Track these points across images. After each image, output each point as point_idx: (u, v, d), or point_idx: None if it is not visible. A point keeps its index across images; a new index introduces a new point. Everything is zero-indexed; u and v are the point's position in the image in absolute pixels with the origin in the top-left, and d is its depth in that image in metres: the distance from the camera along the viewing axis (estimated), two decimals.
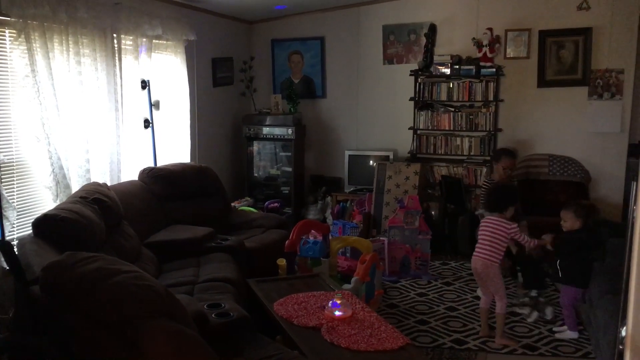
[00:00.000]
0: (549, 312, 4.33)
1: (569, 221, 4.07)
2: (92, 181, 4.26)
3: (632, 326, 1.34)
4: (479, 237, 4.00)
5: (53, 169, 3.96)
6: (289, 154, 6.92)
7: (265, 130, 6.80)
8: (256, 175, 7.12)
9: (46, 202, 3.99)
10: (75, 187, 4.15)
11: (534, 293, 4.46)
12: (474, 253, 4.01)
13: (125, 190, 4.46)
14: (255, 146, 7.07)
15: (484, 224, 4.01)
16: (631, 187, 1.73)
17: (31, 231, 3.30)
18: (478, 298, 4.67)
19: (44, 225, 3.25)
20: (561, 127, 6.16)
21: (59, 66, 4.05)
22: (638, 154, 5.76)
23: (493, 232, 3.91)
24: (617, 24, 5.82)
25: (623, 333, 1.41)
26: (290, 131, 6.71)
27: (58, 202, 3.89)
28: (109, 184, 4.37)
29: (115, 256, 3.06)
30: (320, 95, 7.19)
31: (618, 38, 5.84)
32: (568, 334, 3.99)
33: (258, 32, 7.35)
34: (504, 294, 3.95)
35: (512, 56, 6.22)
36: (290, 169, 6.94)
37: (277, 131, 6.78)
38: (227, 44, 6.79)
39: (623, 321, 1.43)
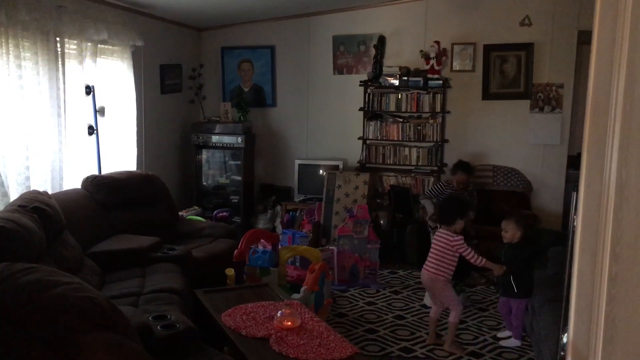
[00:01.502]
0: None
1: (510, 231, 4.09)
2: (31, 189, 4.10)
3: (573, 333, 1.38)
4: (430, 250, 4.03)
5: None
6: (239, 162, 6.86)
7: (215, 138, 6.73)
8: (205, 183, 7.03)
9: None
10: (13, 195, 3.99)
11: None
12: (423, 266, 4.03)
13: (67, 199, 4.31)
14: (204, 154, 6.99)
15: (435, 237, 4.04)
16: (571, 197, 1.79)
17: None
18: (425, 307, 4.74)
19: None
20: (505, 138, 6.34)
21: None
22: (577, 166, 5.97)
23: (440, 245, 3.94)
24: (557, 40, 6.06)
25: (564, 340, 1.44)
26: (239, 139, 6.66)
27: None
28: (50, 192, 4.21)
29: (55, 267, 2.96)
30: (271, 104, 7.18)
31: (558, 53, 6.07)
32: (512, 341, 4.07)
33: (208, 40, 7.28)
34: (457, 303, 3.97)
35: (458, 69, 6.37)
36: (239, 178, 6.88)
37: (227, 139, 6.71)
38: (175, 50, 6.69)
39: (564, 328, 1.47)
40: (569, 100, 6.13)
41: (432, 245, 4.02)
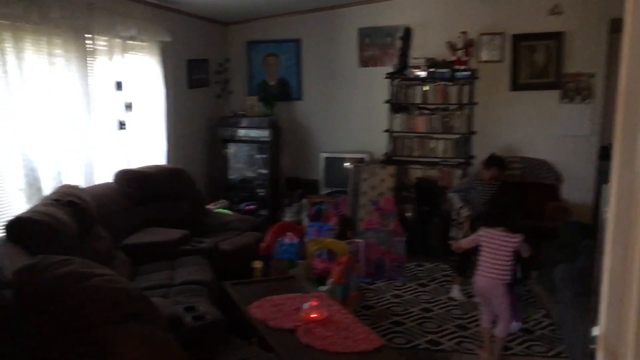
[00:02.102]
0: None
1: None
2: (65, 183, 4.20)
3: (604, 326, 1.37)
4: (485, 253, 3.70)
5: (25, 171, 3.89)
6: (265, 156, 6.90)
7: (241, 132, 6.77)
8: (232, 177, 7.09)
9: (18, 205, 3.92)
10: (47, 189, 4.08)
11: None
12: (483, 274, 3.69)
13: (98, 193, 4.40)
14: (231, 148, 7.04)
15: (487, 239, 3.71)
16: (602, 189, 1.77)
17: (3, 234, 3.24)
18: (453, 299, 4.72)
19: (16, 228, 3.19)
20: (533, 129, 6.25)
21: (31, 67, 3.98)
22: (608, 157, 5.86)
23: (497, 246, 3.65)
24: (587, 29, 5.94)
25: (595, 333, 1.43)
26: (266, 133, 6.69)
27: (30, 205, 3.82)
28: (82, 186, 4.31)
29: (88, 259, 3.02)
30: (296, 97, 7.19)
31: (589, 42, 5.95)
32: (513, 326, 3.98)
33: (234, 34, 7.32)
34: (508, 315, 3.68)
35: (485, 60, 6.30)
36: (266, 171, 6.92)
37: (253, 133, 6.75)
38: (202, 45, 6.75)
39: (595, 321, 1.45)
40: (600, 90, 6.01)
41: (485, 248, 3.70)
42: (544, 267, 4.94)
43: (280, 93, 7.16)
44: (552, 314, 4.44)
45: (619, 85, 1.32)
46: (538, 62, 6.18)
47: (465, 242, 3.99)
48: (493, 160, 5.27)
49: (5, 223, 3.25)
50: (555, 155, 6.18)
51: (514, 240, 3.63)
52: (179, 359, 1.99)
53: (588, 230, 4.68)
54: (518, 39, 6.17)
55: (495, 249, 3.66)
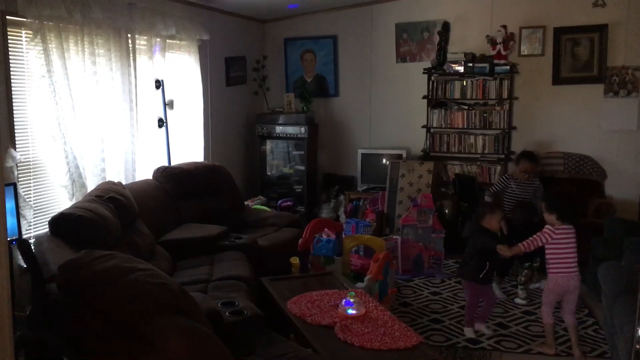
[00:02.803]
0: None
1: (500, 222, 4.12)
2: (107, 180, 4.30)
3: None
4: (563, 250, 3.65)
5: (69, 168, 4.00)
6: (302, 152, 6.92)
7: (278, 129, 6.82)
8: (269, 173, 7.14)
9: (62, 201, 4.04)
10: (90, 186, 4.19)
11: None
12: (565, 270, 3.65)
13: (139, 189, 4.49)
14: (268, 145, 7.09)
15: (566, 235, 3.65)
16: None
17: (48, 229, 3.34)
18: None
19: (61, 223, 3.29)
20: (576, 124, 6.10)
21: (74, 66, 4.09)
22: None
23: (572, 241, 3.66)
24: (633, 21, 5.76)
25: (639, 333, 1.39)
26: (303, 130, 6.72)
27: (74, 201, 3.93)
28: (123, 183, 4.41)
29: (130, 254, 3.08)
30: (333, 93, 7.19)
31: (634, 34, 5.77)
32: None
33: (271, 31, 7.36)
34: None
35: (526, 54, 6.17)
36: (303, 168, 6.94)
37: (290, 130, 6.79)
38: (239, 43, 6.81)
39: (639, 321, 1.42)
40: None
41: (565, 245, 3.65)
42: (587, 265, 4.83)
43: (317, 89, 7.17)
44: (595, 313, 4.33)
45: None
46: (581, 56, 6.02)
47: (530, 244, 3.71)
48: (522, 154, 5.28)
49: (49, 219, 3.35)
50: (600, 151, 6.02)
51: (570, 228, 3.66)
52: (220, 353, 2.01)
53: (633, 228, 4.55)
54: (560, 32, 6.02)
55: (571, 244, 3.65)
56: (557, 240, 3.64)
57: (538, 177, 5.38)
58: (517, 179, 5.27)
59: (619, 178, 5.97)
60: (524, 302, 4.60)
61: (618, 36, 5.84)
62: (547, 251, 3.71)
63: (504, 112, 6.19)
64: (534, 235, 3.70)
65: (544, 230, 3.69)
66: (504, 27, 6.07)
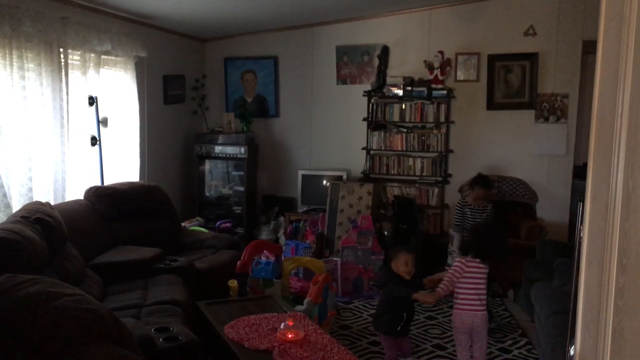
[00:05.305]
0: None
1: (410, 265, 3.61)
2: (34, 200, 4.10)
3: (580, 345, 1.36)
4: (472, 286, 3.43)
5: None
6: (242, 173, 6.86)
7: (218, 149, 6.73)
8: (207, 194, 7.02)
9: None
10: (16, 206, 3.98)
11: None
12: (467, 307, 3.43)
13: (69, 210, 4.30)
14: (207, 165, 6.99)
15: (477, 270, 3.45)
16: (577, 208, 1.77)
17: None
18: (431, 318, 4.69)
19: None
20: (509, 148, 6.31)
21: (1, 81, 3.90)
22: (583, 176, 5.91)
23: (480, 278, 3.45)
24: (561, 50, 6.04)
25: (571, 352, 1.42)
26: (242, 150, 6.66)
27: None
28: (52, 203, 4.21)
29: (57, 279, 2.94)
30: (274, 114, 7.17)
31: (563, 63, 6.05)
32: None
33: (211, 50, 7.30)
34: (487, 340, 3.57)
35: (462, 79, 6.36)
36: (242, 189, 6.87)
37: (230, 150, 6.71)
38: (179, 61, 6.71)
39: (571, 340, 1.44)
40: (574, 110, 6.09)
41: (475, 281, 3.44)
42: (520, 285, 4.96)
43: (257, 110, 7.14)
44: (528, 334, 4.44)
45: (592, 105, 1.32)
46: (513, 82, 6.26)
47: (446, 285, 3.48)
48: (476, 181, 5.10)
49: None
50: (531, 175, 6.24)
51: (486, 269, 3.46)
52: None
53: (563, 249, 4.72)
54: (493, 59, 6.25)
55: (481, 281, 3.45)
56: (468, 274, 3.44)
57: (490, 202, 5.18)
58: (470, 204, 5.07)
59: (549, 201, 6.20)
60: None
61: (548, 64, 6.11)
62: (455, 285, 3.47)
63: (442, 135, 6.34)
64: (447, 273, 3.53)
65: (455, 263, 3.54)
66: (441, 52, 6.24)
